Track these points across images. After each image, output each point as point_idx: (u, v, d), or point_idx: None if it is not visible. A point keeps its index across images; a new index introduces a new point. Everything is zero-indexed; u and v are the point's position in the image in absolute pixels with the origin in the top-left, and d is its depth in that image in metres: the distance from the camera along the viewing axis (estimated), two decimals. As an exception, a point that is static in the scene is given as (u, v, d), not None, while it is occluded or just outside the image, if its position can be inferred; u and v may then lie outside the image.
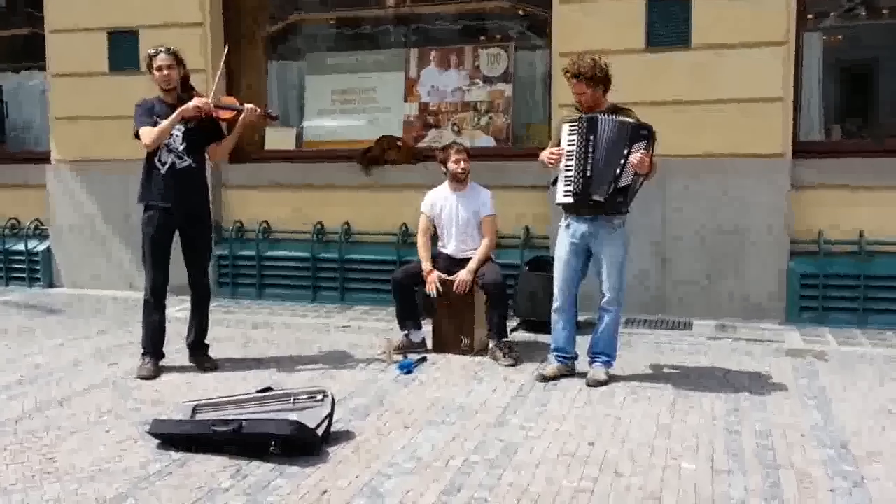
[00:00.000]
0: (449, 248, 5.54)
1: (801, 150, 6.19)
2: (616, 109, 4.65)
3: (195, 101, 4.86)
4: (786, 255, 6.15)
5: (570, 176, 4.63)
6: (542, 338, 5.68)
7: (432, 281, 5.35)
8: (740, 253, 6.20)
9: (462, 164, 5.44)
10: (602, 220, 4.65)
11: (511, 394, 4.55)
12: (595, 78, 4.57)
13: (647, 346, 5.57)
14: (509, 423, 4.07)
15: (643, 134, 4.52)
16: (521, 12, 7.38)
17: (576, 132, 4.62)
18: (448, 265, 5.47)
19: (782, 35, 5.99)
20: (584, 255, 4.77)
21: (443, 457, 3.66)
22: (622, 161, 4.49)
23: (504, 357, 5.15)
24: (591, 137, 4.56)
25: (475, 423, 4.09)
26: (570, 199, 4.65)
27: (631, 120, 4.57)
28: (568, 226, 4.76)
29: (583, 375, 4.78)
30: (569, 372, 4.84)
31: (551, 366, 4.84)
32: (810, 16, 6.41)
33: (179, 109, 4.83)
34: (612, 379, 4.73)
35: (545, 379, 4.74)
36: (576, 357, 4.90)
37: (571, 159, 4.62)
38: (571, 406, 4.33)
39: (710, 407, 4.27)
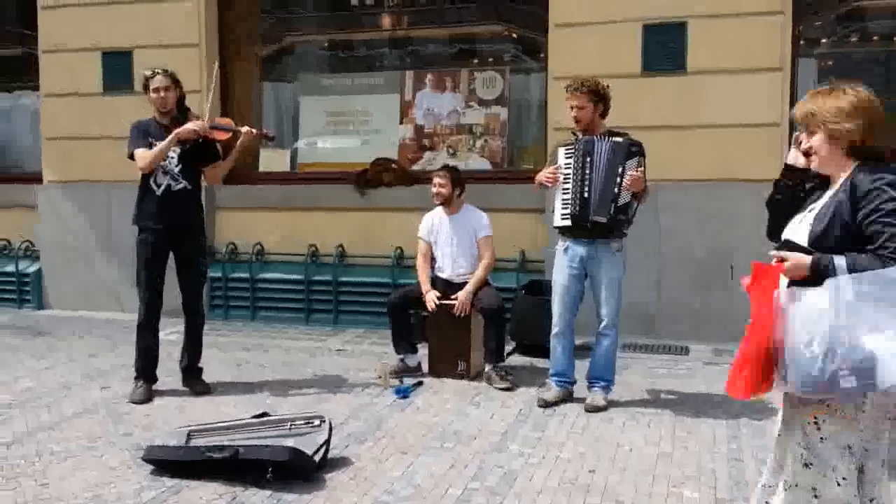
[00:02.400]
0: (445, 271, 5.52)
1: (796, 175, 6.20)
2: (612, 133, 4.66)
3: (191, 125, 4.83)
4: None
5: (568, 199, 4.62)
6: (537, 362, 5.65)
7: (431, 299, 5.31)
8: (734, 276, 6.18)
9: (435, 188, 5.43)
10: (600, 243, 4.64)
11: (509, 419, 4.51)
12: (598, 94, 4.60)
13: (643, 370, 5.54)
14: (508, 450, 4.03)
15: (633, 151, 4.54)
16: (515, 36, 7.41)
17: (572, 155, 4.63)
18: (445, 289, 5.44)
19: (776, 61, 6.03)
20: (583, 278, 4.76)
21: (442, 484, 3.61)
22: (618, 180, 4.50)
23: (500, 381, 5.12)
24: (588, 160, 4.57)
25: (473, 449, 4.05)
26: (567, 222, 4.65)
27: (622, 139, 4.58)
28: (566, 250, 4.74)
29: (581, 400, 4.74)
30: (568, 396, 4.81)
31: (552, 391, 4.80)
32: (803, 42, 6.46)
33: (175, 132, 4.80)
34: (610, 404, 4.69)
35: (547, 404, 4.70)
36: (575, 381, 4.87)
37: (568, 182, 4.62)
38: (570, 432, 4.30)
39: (711, 434, 4.24)
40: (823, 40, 6.70)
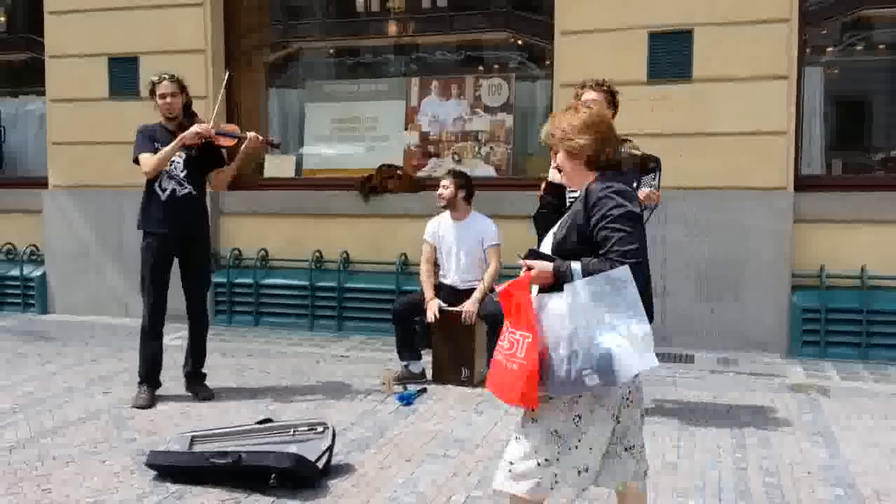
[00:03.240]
0: (450, 278, 5.50)
1: (803, 183, 6.20)
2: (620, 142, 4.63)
3: (195, 128, 4.84)
4: (787, 288, 6.13)
5: None
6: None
7: (432, 308, 5.30)
8: (741, 286, 6.17)
9: (440, 190, 5.42)
10: None
11: (513, 427, 4.47)
12: (613, 95, 4.59)
13: (648, 379, 5.50)
14: (512, 458, 4.00)
15: (651, 167, 4.51)
16: (521, 43, 7.41)
17: None
18: (449, 296, 5.42)
19: (783, 69, 6.02)
20: None
21: (444, 492, 3.59)
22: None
23: (505, 389, 5.08)
24: None
25: (476, 456, 4.03)
26: None
27: (638, 152, 4.55)
28: None
29: None
30: None
31: None
32: (810, 50, 6.46)
33: (180, 136, 4.80)
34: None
35: None
36: None
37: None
38: (574, 440, 4.26)
39: (715, 443, 4.22)
40: (829, 48, 6.69)
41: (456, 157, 7.26)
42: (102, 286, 7.66)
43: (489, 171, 7.18)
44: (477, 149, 7.25)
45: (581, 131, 2.61)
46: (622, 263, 2.44)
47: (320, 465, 3.68)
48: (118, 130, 6.79)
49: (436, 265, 5.60)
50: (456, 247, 5.46)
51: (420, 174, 7.27)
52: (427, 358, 5.48)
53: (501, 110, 7.21)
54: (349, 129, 7.60)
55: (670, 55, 6.21)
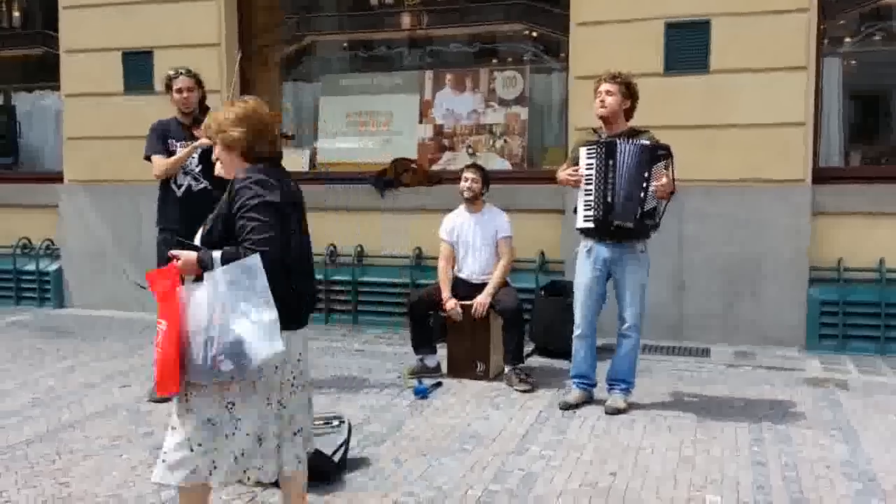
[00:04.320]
0: (465, 271, 5.49)
1: (821, 176, 6.13)
2: (634, 133, 4.61)
3: (206, 140, 4.81)
4: (805, 282, 6.07)
5: (590, 201, 4.56)
6: (557, 363, 5.60)
7: (452, 308, 5.29)
8: (758, 279, 6.12)
9: (468, 182, 5.41)
10: (625, 245, 4.59)
11: (529, 421, 4.47)
12: (629, 87, 4.56)
13: (665, 373, 5.48)
14: (528, 452, 4.00)
15: (661, 154, 4.47)
16: (536, 35, 7.36)
17: (594, 156, 4.56)
18: (465, 290, 5.40)
19: (802, 60, 5.95)
20: (605, 280, 4.72)
21: (462, 486, 3.58)
22: (644, 185, 4.44)
23: (520, 382, 5.08)
24: (611, 162, 4.50)
25: (493, 451, 4.02)
26: (591, 225, 4.59)
27: (647, 142, 4.52)
28: (589, 251, 4.69)
29: (602, 402, 4.70)
30: (589, 399, 4.77)
31: (573, 393, 4.77)
32: (829, 41, 6.38)
33: (192, 145, 4.82)
34: (631, 406, 4.65)
35: (568, 406, 4.67)
36: (596, 384, 4.83)
37: (591, 184, 4.56)
38: (591, 434, 4.25)
39: (733, 437, 4.19)
40: (848, 39, 6.61)
41: (470, 151, 7.23)
42: (119, 281, 7.68)
43: (504, 164, 7.15)
44: (491, 142, 7.22)
45: (235, 124, 2.71)
46: (255, 251, 2.52)
47: (336, 459, 3.68)
48: (133, 125, 6.79)
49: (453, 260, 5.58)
50: (473, 240, 5.44)
51: (434, 168, 7.25)
52: (442, 352, 5.46)
53: (516, 103, 7.17)
54: (363, 123, 7.59)
55: (687, 46, 6.15)
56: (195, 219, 4.86)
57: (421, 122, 7.40)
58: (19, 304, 8.04)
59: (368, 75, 7.71)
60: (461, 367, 5.36)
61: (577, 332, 4.77)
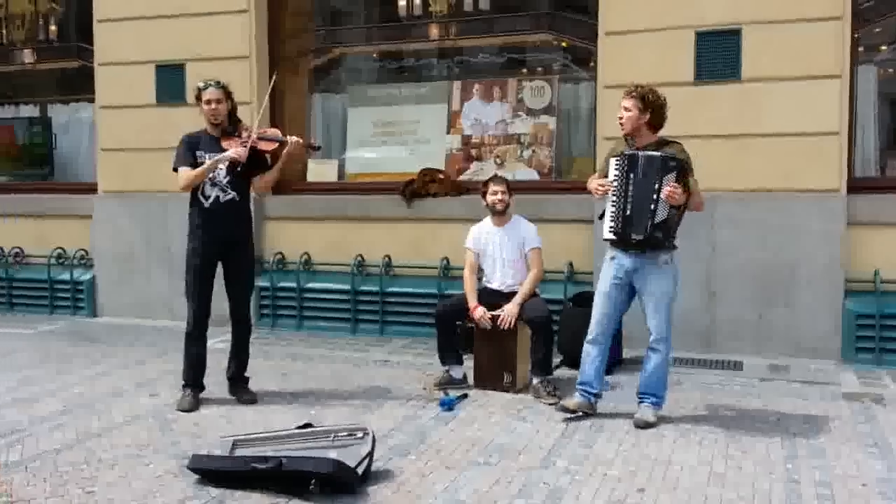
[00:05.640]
0: (494, 282, 5.45)
1: (856, 185, 6.00)
2: (662, 143, 4.55)
3: (231, 153, 4.86)
4: (840, 293, 5.95)
5: (613, 213, 4.54)
6: (586, 375, 5.53)
7: (481, 316, 5.25)
8: (792, 291, 6.01)
9: (499, 195, 5.37)
10: (648, 255, 4.54)
11: (556, 434, 4.41)
12: (645, 100, 4.49)
13: (696, 386, 5.39)
14: (554, 466, 3.94)
15: (672, 165, 4.40)
16: (565, 45, 7.33)
17: (619, 168, 4.53)
18: (491, 300, 5.37)
19: (836, 68, 5.85)
20: (627, 289, 4.66)
21: (486, 500, 3.54)
22: (655, 196, 4.38)
23: (547, 395, 5.02)
24: (631, 175, 4.47)
25: (519, 464, 3.97)
26: (613, 236, 4.58)
27: (658, 153, 4.45)
28: (613, 258, 4.66)
29: (606, 416, 4.67)
30: (591, 410, 4.68)
31: (574, 399, 4.71)
32: (863, 49, 6.27)
33: (214, 159, 4.86)
34: (661, 420, 4.57)
35: (565, 410, 4.63)
36: (600, 395, 4.74)
37: (615, 196, 4.53)
38: (619, 449, 4.19)
39: (766, 453, 4.09)
40: (883, 46, 6.49)
41: (498, 161, 7.21)
42: (150, 290, 7.77)
43: (532, 175, 7.11)
44: (519, 152, 7.19)
45: None
46: None
47: (360, 470, 3.66)
48: (165, 137, 6.85)
49: (479, 270, 5.55)
50: (499, 251, 5.40)
51: (462, 178, 7.23)
52: (469, 362, 5.43)
53: (544, 113, 7.14)
54: (391, 133, 7.60)
55: (718, 55, 6.07)
56: (222, 230, 4.96)
57: (448, 132, 7.39)
58: (54, 313, 8.16)
59: (396, 86, 7.73)
60: (488, 378, 5.31)
61: (589, 336, 4.71)
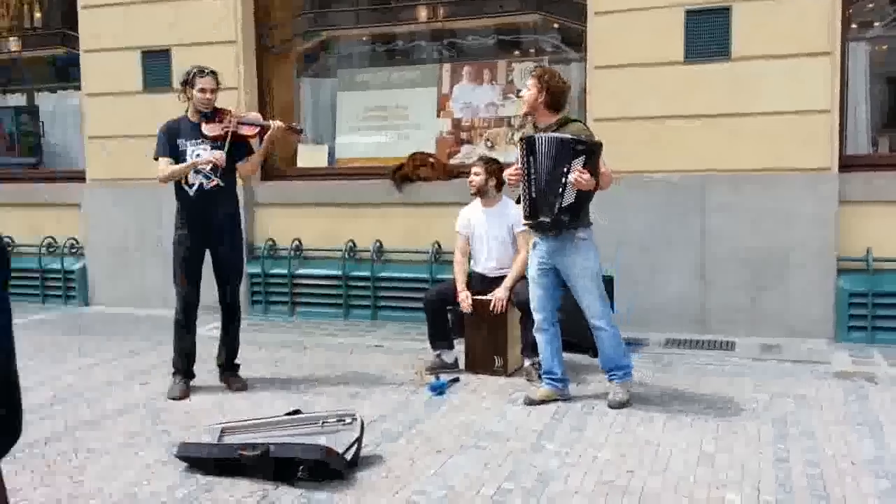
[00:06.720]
0: (481, 265, 5.43)
1: (848, 163, 5.98)
2: (563, 123, 4.46)
3: (208, 157, 4.84)
4: (833, 272, 5.93)
5: (523, 198, 4.52)
6: (577, 357, 5.51)
7: (464, 301, 5.24)
8: (785, 270, 5.99)
9: (471, 177, 5.34)
10: (564, 236, 4.49)
11: (546, 418, 4.40)
12: (541, 80, 4.42)
13: (688, 367, 5.38)
14: (544, 449, 3.93)
15: (580, 149, 4.31)
16: (555, 26, 7.27)
17: (521, 152, 4.49)
18: (480, 283, 5.35)
19: (826, 45, 5.80)
20: (554, 272, 4.61)
21: (475, 484, 3.53)
22: (563, 180, 4.31)
23: (539, 378, 5.01)
24: (531, 159, 4.42)
25: (508, 448, 3.96)
26: (528, 222, 4.58)
27: (567, 136, 4.37)
28: (534, 245, 4.67)
29: (580, 399, 4.68)
30: (561, 397, 4.66)
31: (541, 389, 4.69)
32: (854, 25, 6.22)
33: (192, 162, 4.85)
34: (650, 402, 4.56)
35: (531, 402, 4.60)
36: (566, 380, 4.72)
37: (523, 181, 4.49)
38: (609, 432, 4.18)
39: (756, 433, 4.09)
40: (876, 24, 6.44)
41: (489, 144, 7.17)
42: (142, 279, 7.74)
43: (523, 157, 7.05)
44: (510, 134, 7.14)
45: None
46: None
47: (348, 456, 3.65)
48: (153, 124, 6.76)
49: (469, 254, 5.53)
50: (487, 234, 5.38)
51: (453, 161, 7.20)
52: (460, 347, 5.41)
53: (535, 95, 7.07)
54: (381, 118, 7.55)
55: (708, 34, 6.01)
56: (207, 217, 4.92)
57: (439, 115, 7.34)
58: (45, 303, 8.13)
59: (386, 69, 7.68)
60: (479, 363, 5.30)
61: (535, 326, 4.71)
